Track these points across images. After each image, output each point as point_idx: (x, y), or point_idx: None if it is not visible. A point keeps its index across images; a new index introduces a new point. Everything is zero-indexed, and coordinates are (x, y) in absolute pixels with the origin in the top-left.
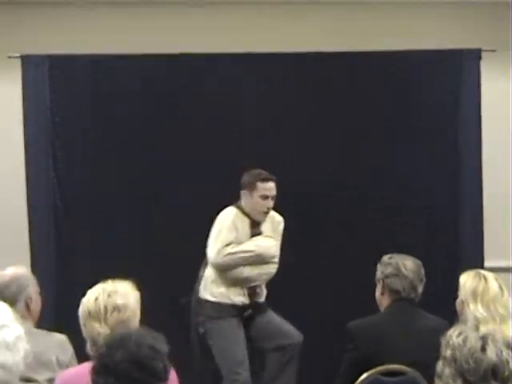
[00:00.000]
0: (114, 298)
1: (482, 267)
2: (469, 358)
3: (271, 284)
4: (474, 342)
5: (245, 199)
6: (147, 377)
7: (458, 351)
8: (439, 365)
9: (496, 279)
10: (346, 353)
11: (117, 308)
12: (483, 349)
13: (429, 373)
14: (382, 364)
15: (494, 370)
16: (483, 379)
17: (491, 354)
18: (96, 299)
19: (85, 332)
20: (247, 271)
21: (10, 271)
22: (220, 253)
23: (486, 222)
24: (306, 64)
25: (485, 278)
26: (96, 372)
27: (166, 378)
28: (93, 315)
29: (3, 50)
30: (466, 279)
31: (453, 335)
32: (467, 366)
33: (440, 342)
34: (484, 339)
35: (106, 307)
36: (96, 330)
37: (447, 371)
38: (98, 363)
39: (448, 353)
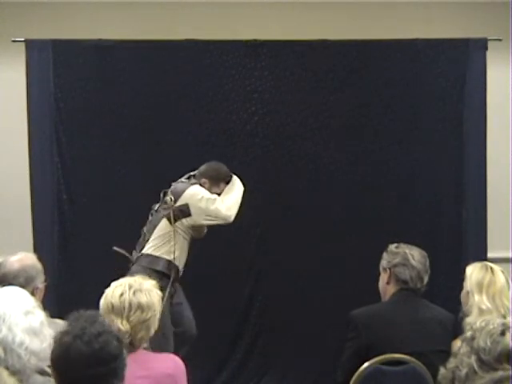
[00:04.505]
0: (138, 297)
1: (485, 258)
2: (487, 338)
3: (273, 276)
4: (495, 325)
5: None
6: None
7: (478, 332)
8: (457, 345)
9: (502, 272)
10: (349, 341)
11: (140, 307)
12: (503, 333)
13: (431, 363)
14: (384, 353)
15: (510, 355)
16: (497, 360)
17: (509, 339)
18: (121, 295)
19: None
20: None
21: (19, 260)
22: None
23: (489, 212)
24: (312, 52)
25: (492, 270)
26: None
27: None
28: (116, 311)
29: (7, 33)
30: (473, 270)
31: (478, 321)
32: (484, 345)
33: (443, 333)
34: (506, 326)
35: (130, 305)
36: (116, 326)
37: (464, 349)
38: (56, 372)
39: (468, 334)
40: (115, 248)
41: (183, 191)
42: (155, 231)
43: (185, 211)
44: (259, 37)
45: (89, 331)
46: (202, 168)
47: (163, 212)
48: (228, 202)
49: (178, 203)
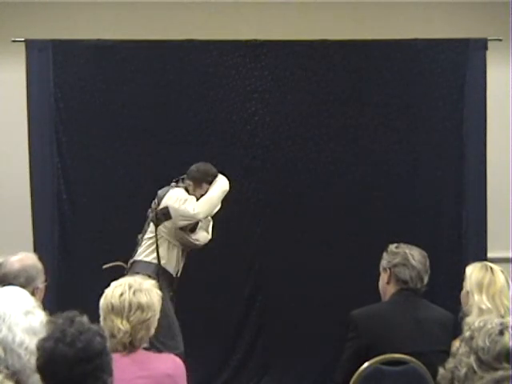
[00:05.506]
0: (138, 297)
1: (485, 258)
2: (486, 337)
3: (273, 276)
4: (493, 325)
5: None
6: None
7: (477, 331)
8: (456, 345)
9: (502, 272)
10: (349, 341)
11: (140, 307)
12: (501, 332)
13: (431, 363)
14: (384, 353)
15: (508, 354)
16: (496, 359)
17: (508, 339)
18: (121, 295)
19: (104, 325)
20: None
21: (20, 260)
22: None
23: (489, 212)
24: (312, 52)
25: (492, 270)
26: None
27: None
28: (116, 311)
29: (7, 33)
30: (473, 270)
31: (476, 321)
32: (482, 345)
33: (443, 333)
34: (504, 325)
35: (130, 305)
36: (116, 326)
37: (462, 349)
38: (43, 378)
39: (467, 333)
40: (104, 266)
41: (165, 194)
42: (145, 237)
43: (166, 214)
44: (259, 37)
45: (69, 332)
46: (189, 170)
47: (150, 217)
48: (200, 201)
49: (160, 206)
